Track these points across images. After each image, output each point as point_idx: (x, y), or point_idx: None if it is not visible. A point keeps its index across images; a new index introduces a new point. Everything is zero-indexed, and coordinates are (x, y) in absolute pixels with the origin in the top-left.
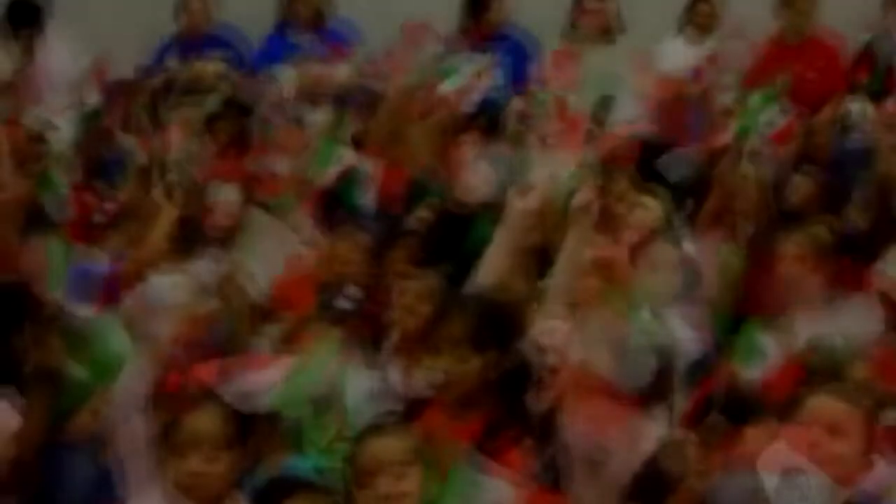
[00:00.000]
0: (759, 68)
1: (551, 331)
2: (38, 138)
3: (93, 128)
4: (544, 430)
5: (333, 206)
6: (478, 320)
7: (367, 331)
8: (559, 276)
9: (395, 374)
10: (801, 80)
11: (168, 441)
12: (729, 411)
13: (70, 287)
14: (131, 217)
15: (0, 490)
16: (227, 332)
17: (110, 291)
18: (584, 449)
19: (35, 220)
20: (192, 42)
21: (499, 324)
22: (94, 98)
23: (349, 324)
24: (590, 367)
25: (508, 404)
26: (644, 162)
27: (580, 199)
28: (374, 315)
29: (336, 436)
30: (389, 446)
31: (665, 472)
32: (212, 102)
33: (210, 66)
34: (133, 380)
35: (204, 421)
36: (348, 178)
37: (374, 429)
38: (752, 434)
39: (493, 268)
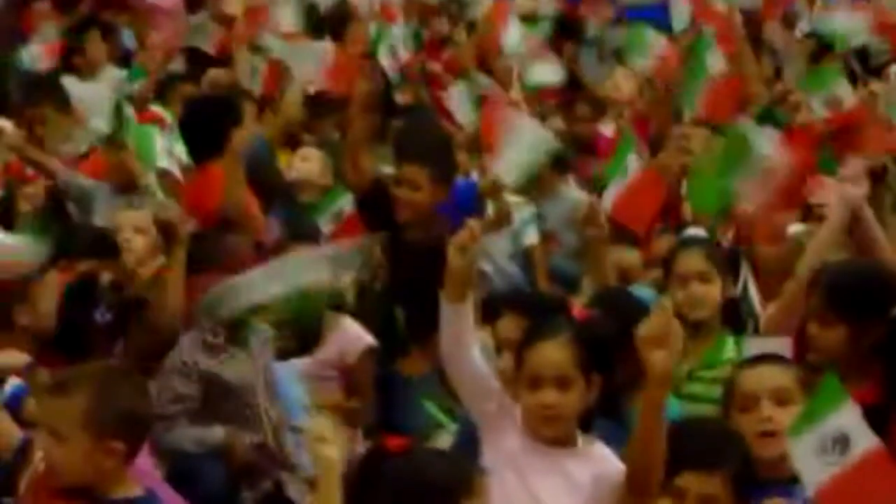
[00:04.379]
0: None
1: None
2: None
3: None
4: None
5: None
6: (841, 286)
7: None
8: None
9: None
10: None
11: (521, 373)
12: None
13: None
14: None
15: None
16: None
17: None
18: None
19: None
20: None
21: (869, 290)
22: None
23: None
24: None
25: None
26: None
27: None
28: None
29: (700, 363)
30: (775, 374)
31: None
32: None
33: None
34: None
35: (557, 351)
36: None
37: (760, 358)
38: None
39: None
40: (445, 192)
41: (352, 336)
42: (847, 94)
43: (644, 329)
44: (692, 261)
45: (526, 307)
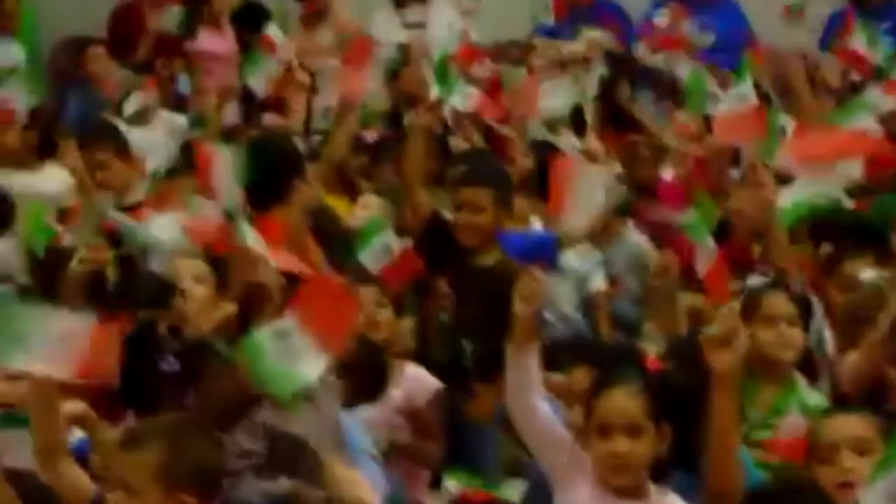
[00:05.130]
0: None
1: None
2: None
3: None
4: None
5: None
6: None
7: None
8: None
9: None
10: None
11: (591, 422)
12: None
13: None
14: None
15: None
16: None
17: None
18: None
19: None
20: (581, 9)
21: None
22: None
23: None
24: None
25: None
26: None
27: None
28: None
29: (772, 410)
30: (855, 424)
31: None
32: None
33: (597, 37)
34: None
35: (627, 399)
36: None
37: (838, 407)
38: None
39: None
40: (507, 217)
41: (418, 381)
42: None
43: (709, 330)
44: (781, 303)
45: (597, 358)
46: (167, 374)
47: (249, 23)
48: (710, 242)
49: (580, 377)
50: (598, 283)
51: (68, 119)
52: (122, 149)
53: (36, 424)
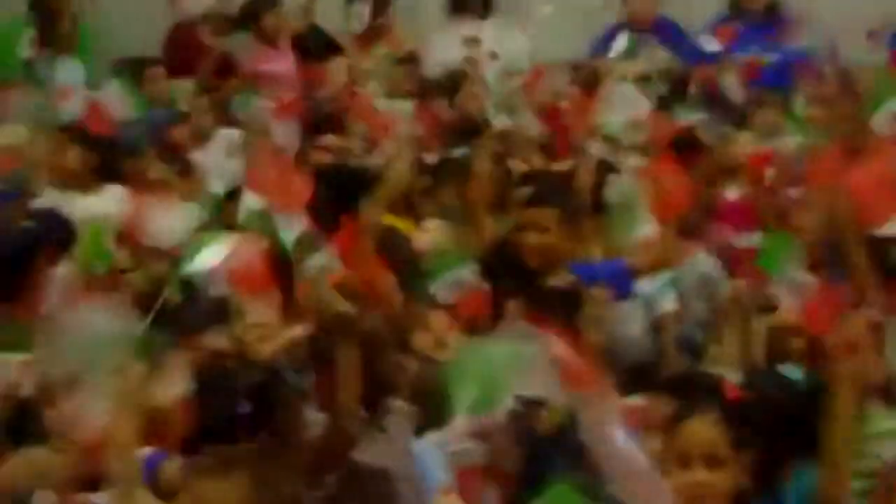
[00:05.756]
0: None
1: None
2: None
3: None
4: None
5: None
6: None
7: None
8: None
9: None
10: None
11: (670, 452)
12: None
13: None
14: None
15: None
16: None
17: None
18: None
19: None
20: (638, 28)
21: None
22: None
23: None
24: None
25: None
26: None
27: None
28: None
29: None
30: None
31: None
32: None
33: (656, 55)
34: None
35: (707, 429)
36: None
37: None
38: None
39: None
40: (574, 237)
41: None
42: None
43: (836, 335)
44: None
45: (676, 386)
46: (240, 415)
47: (314, 47)
48: (795, 272)
49: (659, 405)
50: (668, 304)
51: (128, 140)
52: (183, 169)
53: (114, 457)
